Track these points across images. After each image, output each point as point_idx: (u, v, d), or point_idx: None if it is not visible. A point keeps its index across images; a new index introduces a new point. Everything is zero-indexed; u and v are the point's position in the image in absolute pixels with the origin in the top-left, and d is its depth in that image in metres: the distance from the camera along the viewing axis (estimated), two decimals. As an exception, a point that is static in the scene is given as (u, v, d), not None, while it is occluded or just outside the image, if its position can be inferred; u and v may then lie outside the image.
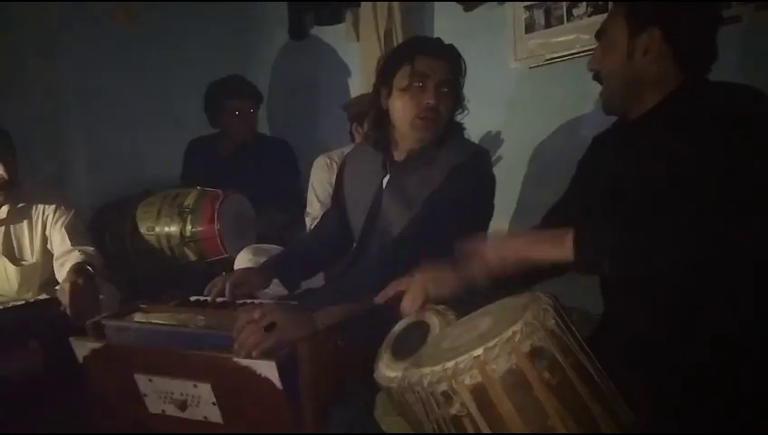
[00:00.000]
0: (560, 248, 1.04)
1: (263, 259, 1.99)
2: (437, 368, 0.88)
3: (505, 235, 1.19)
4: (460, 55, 1.64)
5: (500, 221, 2.19)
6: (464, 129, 1.71)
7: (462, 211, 1.53)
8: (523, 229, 1.47)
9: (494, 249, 1.15)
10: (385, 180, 1.68)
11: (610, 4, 1.30)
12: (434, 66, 1.57)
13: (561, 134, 2.23)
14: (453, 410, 0.88)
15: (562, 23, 2.18)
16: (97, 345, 1.46)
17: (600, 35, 1.27)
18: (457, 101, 1.65)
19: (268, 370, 1.24)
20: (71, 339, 1.47)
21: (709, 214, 0.97)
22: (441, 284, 1.22)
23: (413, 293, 1.23)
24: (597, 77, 1.28)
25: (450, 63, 1.61)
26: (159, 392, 1.39)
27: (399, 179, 1.65)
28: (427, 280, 1.23)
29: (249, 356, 1.26)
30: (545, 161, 2.25)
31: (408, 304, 1.22)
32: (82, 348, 1.46)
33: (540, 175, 2.23)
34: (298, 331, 1.30)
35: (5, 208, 2.11)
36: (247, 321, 1.28)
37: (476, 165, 1.60)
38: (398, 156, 1.68)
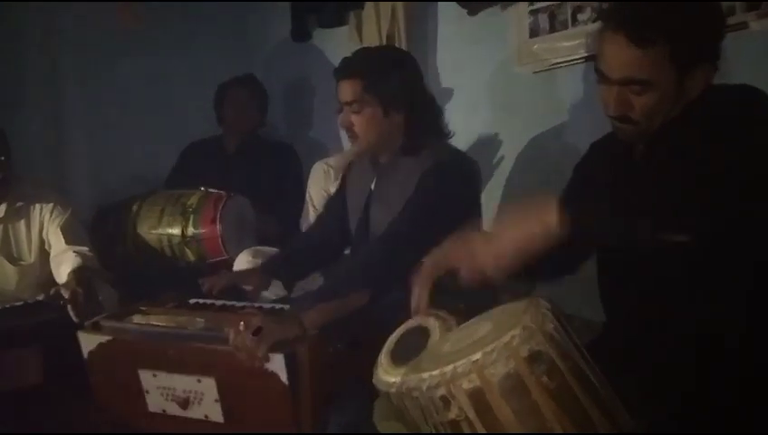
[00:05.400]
0: (545, 219, 0.96)
1: (262, 261, 2.00)
2: (436, 372, 0.88)
3: (490, 233, 1.04)
4: (365, 63, 1.65)
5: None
6: (445, 133, 1.73)
7: (435, 212, 1.53)
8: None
9: (487, 254, 1.02)
10: (373, 183, 1.73)
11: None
12: (339, 90, 1.65)
13: (564, 138, 2.22)
14: (451, 415, 0.87)
15: (567, 27, 2.17)
16: (104, 339, 1.46)
17: (629, 83, 1.10)
18: (390, 105, 1.63)
19: (275, 363, 1.26)
20: (78, 332, 1.48)
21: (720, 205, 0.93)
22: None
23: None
24: (622, 118, 1.14)
25: (352, 79, 1.62)
26: (162, 389, 1.39)
27: (383, 182, 1.71)
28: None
29: (252, 364, 1.28)
30: (548, 165, 2.24)
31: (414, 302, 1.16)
32: (89, 341, 1.47)
33: (543, 179, 2.22)
34: (284, 331, 1.31)
35: (3, 207, 2.12)
36: (235, 333, 1.30)
37: (447, 168, 1.60)
38: (383, 158, 1.72)
